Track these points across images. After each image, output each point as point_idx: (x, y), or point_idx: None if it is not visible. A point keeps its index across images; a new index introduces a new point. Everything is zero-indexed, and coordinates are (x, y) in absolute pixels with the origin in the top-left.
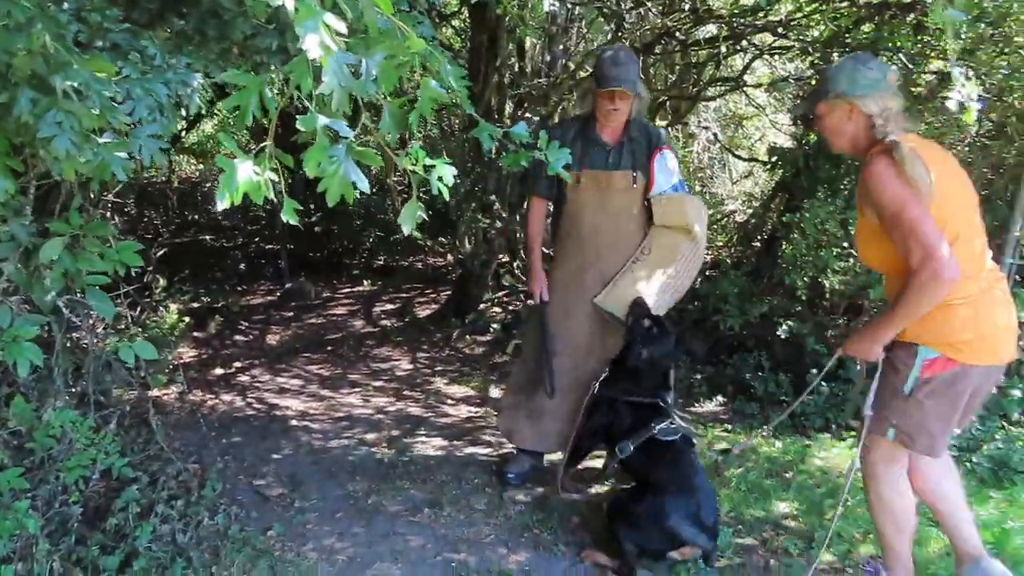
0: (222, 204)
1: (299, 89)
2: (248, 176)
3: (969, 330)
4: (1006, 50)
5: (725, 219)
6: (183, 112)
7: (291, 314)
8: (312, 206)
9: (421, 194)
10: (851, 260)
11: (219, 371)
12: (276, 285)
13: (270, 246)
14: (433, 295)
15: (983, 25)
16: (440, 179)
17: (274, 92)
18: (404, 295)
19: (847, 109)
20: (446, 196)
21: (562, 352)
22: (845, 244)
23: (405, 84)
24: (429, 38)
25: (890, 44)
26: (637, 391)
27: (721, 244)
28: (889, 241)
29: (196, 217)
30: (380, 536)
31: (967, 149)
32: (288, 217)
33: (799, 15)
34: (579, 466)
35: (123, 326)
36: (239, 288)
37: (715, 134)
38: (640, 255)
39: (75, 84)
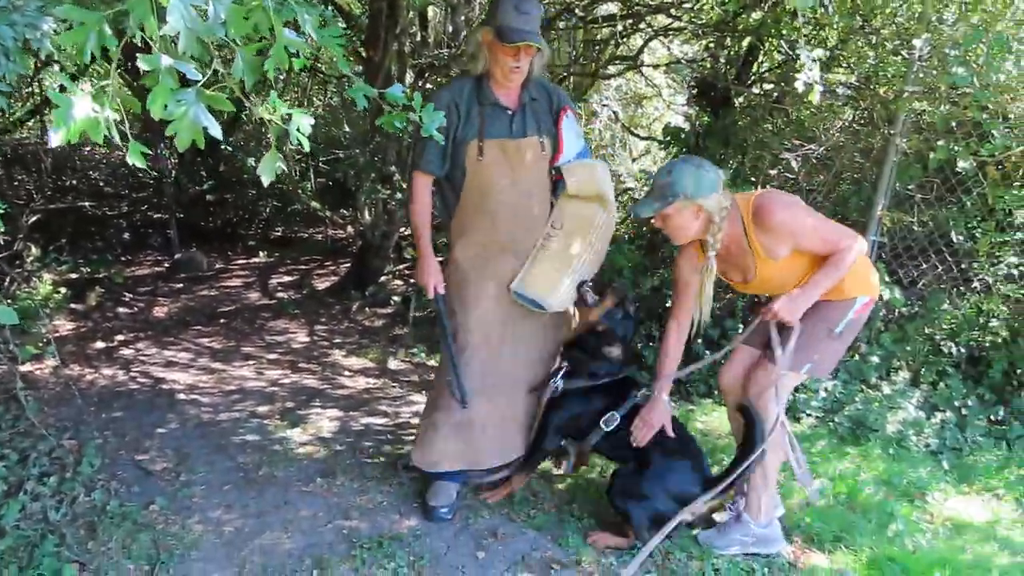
0: (56, 139)
1: (144, 30)
2: (86, 113)
3: (874, 275)
4: (874, 41)
5: (623, 195)
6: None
7: (181, 286)
8: (203, 174)
9: (321, 164)
10: None
11: (100, 344)
12: (165, 256)
13: (158, 215)
14: (333, 267)
15: (857, 17)
16: (299, 129)
17: (116, 29)
18: (302, 267)
19: (695, 209)
20: (306, 146)
21: (477, 345)
22: None
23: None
24: None
25: (773, 31)
26: (606, 374)
27: (619, 220)
28: (794, 262)
29: (74, 182)
30: (271, 507)
31: (839, 135)
32: (135, 160)
33: None
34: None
35: None
36: (123, 259)
37: (615, 112)
38: (551, 230)
39: None
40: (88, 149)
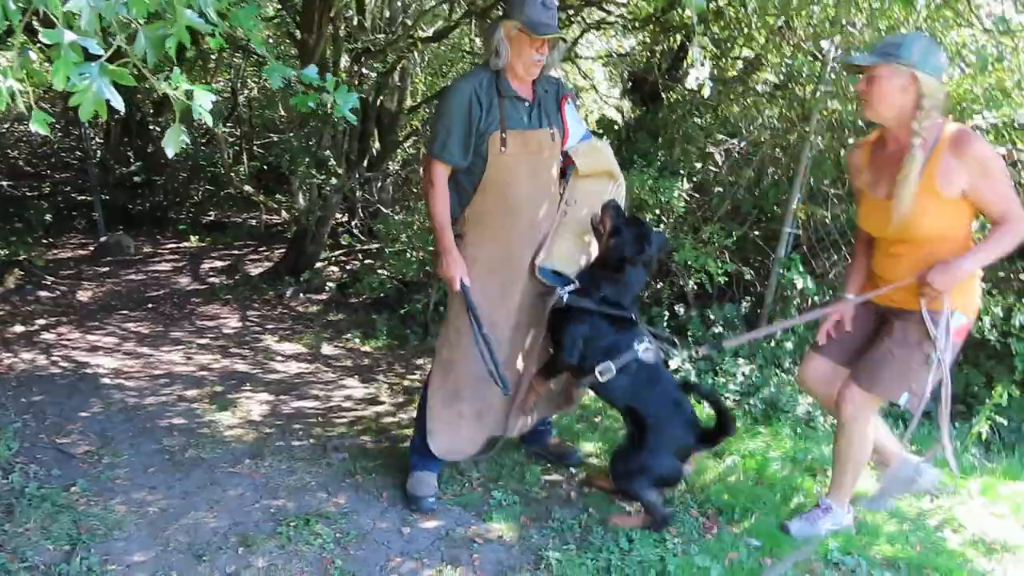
0: None
1: (47, 5)
2: None
3: (978, 291)
4: (792, 41)
5: None
6: None
7: (106, 270)
8: (131, 155)
9: (256, 148)
10: (661, 225)
11: (19, 328)
12: (90, 239)
13: (83, 197)
14: (267, 253)
15: (778, 20)
16: (201, 106)
17: (18, 4)
18: (235, 252)
19: (909, 79)
20: (209, 122)
21: (501, 339)
22: (657, 211)
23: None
24: None
25: (700, 28)
26: (615, 303)
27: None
28: (955, 211)
29: None
30: (197, 487)
31: (759, 132)
32: (39, 127)
33: None
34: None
35: None
36: (45, 241)
37: None
38: (566, 207)
39: None
40: (7, 127)
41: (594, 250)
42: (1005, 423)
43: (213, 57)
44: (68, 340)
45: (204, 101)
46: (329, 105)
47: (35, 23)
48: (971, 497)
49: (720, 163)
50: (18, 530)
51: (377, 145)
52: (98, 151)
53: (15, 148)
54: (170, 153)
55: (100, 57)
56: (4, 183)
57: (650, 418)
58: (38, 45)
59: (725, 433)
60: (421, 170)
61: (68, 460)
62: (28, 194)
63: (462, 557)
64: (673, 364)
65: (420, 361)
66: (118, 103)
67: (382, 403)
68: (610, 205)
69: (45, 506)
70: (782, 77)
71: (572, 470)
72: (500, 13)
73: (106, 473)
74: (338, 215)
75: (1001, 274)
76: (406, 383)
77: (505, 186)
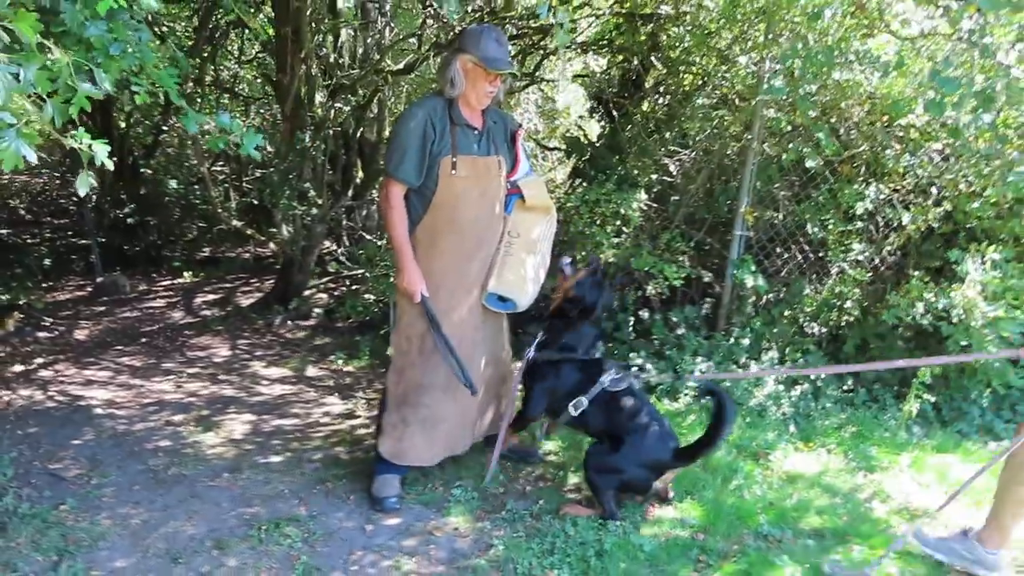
0: None
1: None
2: None
3: None
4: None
5: None
6: None
7: (103, 309)
8: (124, 197)
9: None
10: (622, 236)
11: (18, 368)
12: (87, 280)
13: (80, 240)
14: (258, 284)
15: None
16: (100, 154)
17: None
18: (228, 285)
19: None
20: (109, 165)
21: (455, 348)
22: (617, 222)
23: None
24: (148, 41)
25: (646, 51)
26: (577, 349)
27: None
28: None
29: None
30: (177, 501)
31: (707, 142)
32: (82, 188)
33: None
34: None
35: None
36: (44, 285)
37: (535, 125)
38: (510, 238)
39: None
40: (7, 177)
41: (536, 275)
42: (944, 402)
43: (198, 100)
44: (64, 376)
45: (101, 152)
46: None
47: None
48: (901, 471)
49: (675, 173)
50: (10, 544)
51: (361, 174)
52: (94, 196)
53: (16, 197)
54: (81, 193)
55: (14, 125)
56: (5, 231)
57: (626, 436)
58: None
59: (708, 446)
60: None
61: (59, 482)
62: (28, 241)
63: (419, 548)
64: (636, 364)
65: None
66: (32, 157)
67: (358, 417)
68: (592, 260)
69: (35, 523)
70: (726, 90)
71: (529, 468)
72: (456, 47)
73: (94, 492)
74: (326, 243)
75: (939, 264)
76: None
77: (454, 207)
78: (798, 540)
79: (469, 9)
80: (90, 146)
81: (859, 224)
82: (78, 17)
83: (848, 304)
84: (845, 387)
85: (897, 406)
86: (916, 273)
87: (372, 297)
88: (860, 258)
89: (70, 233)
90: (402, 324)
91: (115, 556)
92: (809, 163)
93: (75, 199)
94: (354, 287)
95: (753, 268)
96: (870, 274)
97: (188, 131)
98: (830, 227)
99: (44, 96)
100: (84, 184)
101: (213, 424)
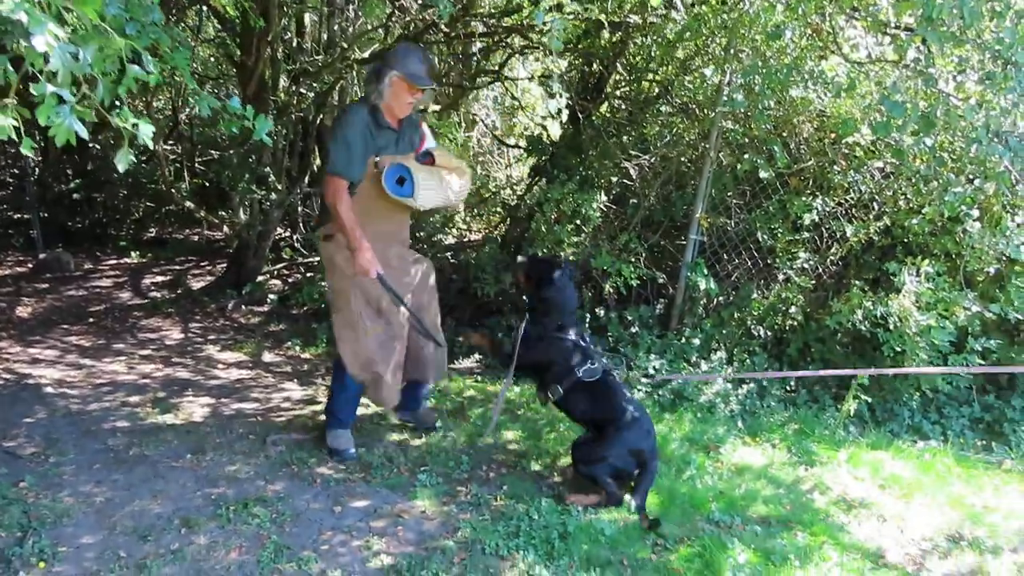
0: None
1: (34, 66)
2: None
3: None
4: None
5: (492, 196)
6: None
7: (46, 286)
8: (70, 172)
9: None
10: (583, 235)
11: None
12: (28, 256)
13: (19, 215)
14: (209, 267)
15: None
16: (145, 133)
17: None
18: (177, 267)
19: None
20: (150, 145)
21: (386, 309)
22: (577, 221)
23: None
24: (159, 22)
25: (610, 55)
26: (562, 329)
27: (496, 222)
28: None
29: None
30: (140, 480)
31: (666, 148)
32: (26, 150)
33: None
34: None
35: None
36: None
37: (493, 121)
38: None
39: None
40: None
41: (437, 192)
42: (878, 403)
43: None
44: (9, 354)
45: (147, 131)
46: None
47: None
48: (839, 465)
49: (635, 177)
50: None
51: (318, 161)
52: (36, 169)
53: None
54: (121, 169)
55: (69, 101)
56: None
57: (615, 430)
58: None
59: None
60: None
61: (15, 460)
62: None
63: (388, 529)
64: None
65: None
66: (84, 133)
67: (319, 403)
68: (521, 264)
69: None
70: (687, 99)
71: (492, 456)
72: (385, 62)
73: (53, 470)
74: (280, 230)
75: (878, 275)
76: None
77: (378, 196)
78: (747, 526)
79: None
80: (135, 125)
81: (805, 234)
82: None
83: (792, 309)
84: (788, 387)
85: (835, 406)
86: (856, 282)
87: (326, 284)
88: (805, 266)
89: (6, 207)
90: (351, 305)
91: (81, 532)
92: (762, 174)
93: (15, 171)
94: (308, 274)
95: (705, 272)
96: (814, 282)
97: (201, 115)
98: (779, 235)
99: (98, 76)
100: (124, 161)
101: (171, 406)
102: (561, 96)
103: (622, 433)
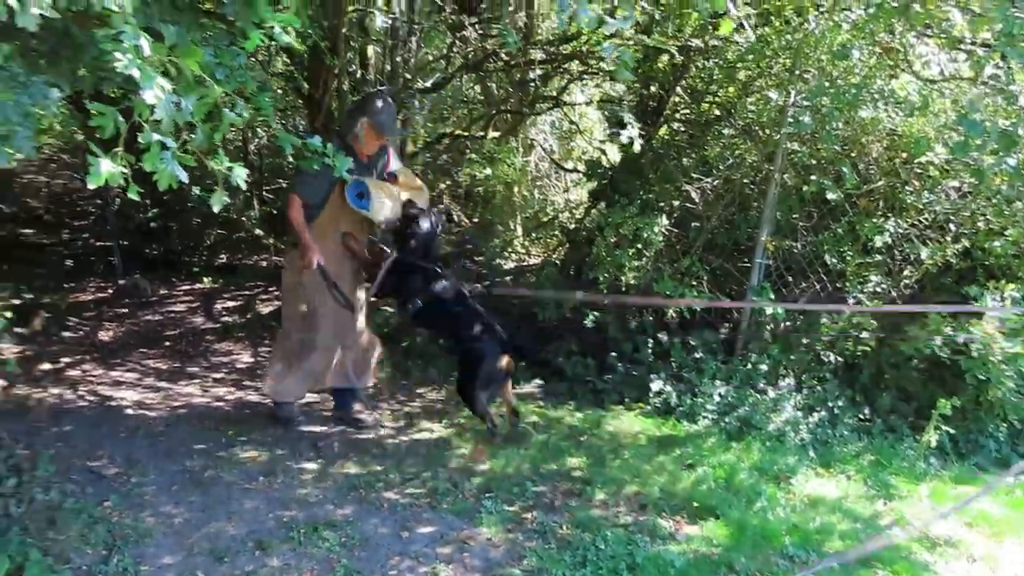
0: (92, 184)
1: (140, 116)
2: (109, 169)
3: None
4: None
5: (550, 220)
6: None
7: (125, 311)
8: (147, 202)
9: (266, 194)
10: (643, 259)
11: (47, 366)
12: (108, 282)
13: (100, 243)
14: (277, 292)
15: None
16: (238, 175)
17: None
18: (247, 292)
19: None
20: (243, 186)
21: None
22: (639, 245)
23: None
24: (243, 66)
25: (671, 79)
26: (422, 261)
27: (555, 245)
28: None
29: (14, 211)
30: (216, 502)
31: (729, 171)
32: (132, 194)
33: (597, 47)
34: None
35: None
36: (66, 285)
37: (551, 146)
38: (388, 184)
39: None
40: (28, 177)
41: (393, 208)
42: (961, 434)
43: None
44: (92, 376)
45: (240, 174)
46: None
47: None
48: (920, 500)
49: (696, 200)
50: (60, 537)
51: None
52: (116, 199)
53: (36, 198)
54: (216, 210)
55: (171, 148)
56: (27, 231)
57: (471, 345)
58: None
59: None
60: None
61: (100, 480)
62: (48, 241)
63: (454, 556)
64: (655, 387)
65: (421, 390)
66: (184, 177)
67: (385, 427)
68: (408, 202)
69: (83, 517)
70: (749, 121)
71: (555, 483)
72: (360, 108)
73: (135, 490)
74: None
75: (956, 298)
76: (407, 409)
77: (337, 215)
78: (822, 561)
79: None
80: (229, 168)
81: (877, 257)
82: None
83: (864, 335)
84: (861, 416)
85: (914, 436)
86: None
87: (391, 309)
88: (877, 290)
89: (88, 236)
90: (302, 297)
91: (161, 553)
92: (830, 195)
93: (98, 201)
94: (372, 300)
95: (772, 296)
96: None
97: (286, 151)
98: (848, 258)
99: (198, 123)
100: (219, 202)
101: (243, 429)
102: (633, 126)
103: (485, 344)
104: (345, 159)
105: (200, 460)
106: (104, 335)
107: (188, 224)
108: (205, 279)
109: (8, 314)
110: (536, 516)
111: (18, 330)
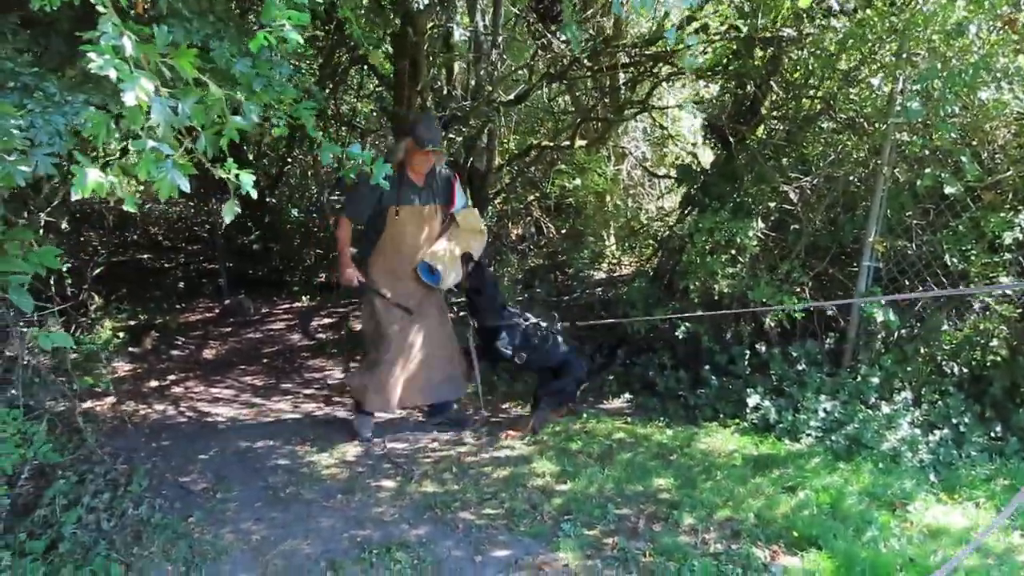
0: (76, 196)
1: (134, 123)
2: (96, 178)
3: None
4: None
5: (643, 228)
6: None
7: (229, 329)
8: (251, 226)
9: None
10: (738, 265)
11: (153, 383)
12: (215, 302)
13: (210, 265)
14: None
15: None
16: (246, 183)
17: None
18: (342, 310)
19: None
20: (253, 195)
21: (396, 328)
22: (732, 251)
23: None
24: (286, 76)
25: (764, 74)
26: (494, 318)
27: (648, 255)
28: None
29: (136, 237)
30: (295, 519)
31: (831, 168)
32: (129, 206)
33: (681, 47)
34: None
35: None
36: (178, 306)
37: (643, 153)
38: (446, 241)
39: None
40: (148, 206)
41: (457, 269)
42: None
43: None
44: (194, 393)
45: (247, 181)
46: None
47: None
48: None
49: (795, 201)
50: (144, 553)
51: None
52: (223, 223)
53: (155, 225)
54: (227, 220)
55: (171, 155)
56: (146, 256)
57: (562, 367)
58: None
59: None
60: (333, 222)
61: (188, 495)
62: (165, 265)
63: None
64: (752, 401)
65: (506, 405)
66: (185, 187)
67: (466, 444)
68: (466, 260)
69: (167, 533)
70: (853, 113)
71: (640, 506)
72: (405, 129)
73: (219, 506)
74: None
75: None
76: (490, 425)
77: (398, 240)
78: None
79: (584, 39)
80: (237, 176)
81: (1007, 255)
82: (226, 54)
83: (994, 343)
84: (992, 434)
85: None
86: None
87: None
88: (1009, 292)
89: (201, 258)
90: (372, 318)
91: (237, 570)
92: (948, 189)
93: (208, 226)
94: (461, 314)
95: (883, 302)
96: (1021, 310)
97: (323, 162)
98: (972, 258)
99: (199, 128)
100: (230, 212)
101: (327, 445)
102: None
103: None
104: (383, 165)
105: (283, 476)
106: (208, 353)
107: (288, 245)
108: (304, 297)
109: (122, 335)
110: (617, 542)
111: (131, 349)
